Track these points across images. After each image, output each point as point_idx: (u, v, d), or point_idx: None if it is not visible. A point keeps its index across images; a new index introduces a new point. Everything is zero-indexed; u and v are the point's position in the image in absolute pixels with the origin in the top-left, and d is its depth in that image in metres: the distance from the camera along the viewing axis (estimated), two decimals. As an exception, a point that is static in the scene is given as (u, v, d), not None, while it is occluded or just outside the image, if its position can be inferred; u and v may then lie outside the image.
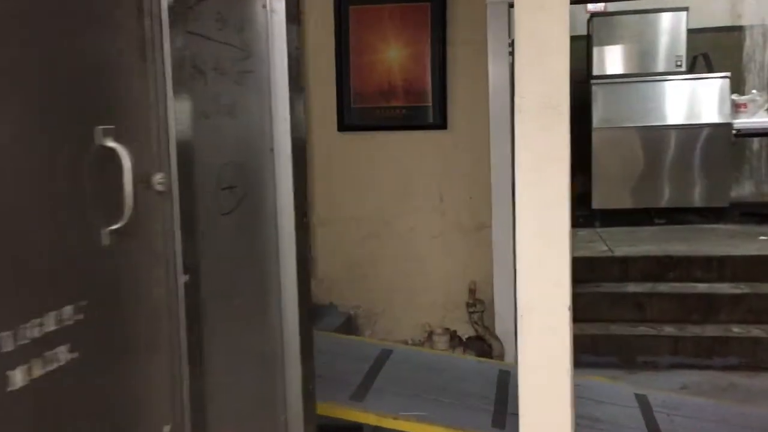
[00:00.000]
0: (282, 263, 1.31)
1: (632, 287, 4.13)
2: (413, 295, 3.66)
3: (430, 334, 3.60)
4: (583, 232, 5.18)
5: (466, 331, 3.62)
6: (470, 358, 3.08)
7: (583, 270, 4.31)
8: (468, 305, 3.59)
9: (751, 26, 5.91)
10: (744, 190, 6.01)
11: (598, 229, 5.26)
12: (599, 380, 2.88)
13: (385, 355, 2.73)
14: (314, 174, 3.68)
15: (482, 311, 3.57)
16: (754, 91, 5.46)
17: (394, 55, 3.54)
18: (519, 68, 1.68)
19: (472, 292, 3.58)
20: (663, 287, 4.10)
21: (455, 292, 3.62)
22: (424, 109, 3.56)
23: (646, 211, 5.42)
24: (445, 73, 3.52)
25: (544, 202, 1.71)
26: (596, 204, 5.34)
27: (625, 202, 5.35)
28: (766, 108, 5.17)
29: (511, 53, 3.51)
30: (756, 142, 5.96)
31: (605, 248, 4.53)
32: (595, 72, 5.36)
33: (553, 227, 1.71)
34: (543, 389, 1.69)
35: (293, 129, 1.31)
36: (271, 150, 1.28)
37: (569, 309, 1.73)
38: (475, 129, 3.53)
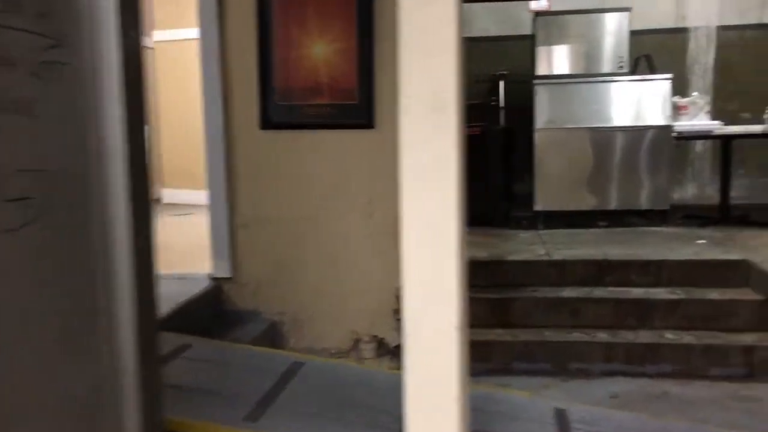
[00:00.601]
0: (114, 284, 1.16)
1: (568, 292, 4.04)
2: (341, 301, 3.52)
3: (357, 341, 3.47)
4: (526, 235, 5.10)
5: (394, 339, 3.50)
6: (386, 371, 2.95)
7: (520, 274, 4.22)
8: (395, 312, 3.46)
9: (696, 28, 5.89)
10: (687, 192, 6.00)
11: (541, 231, 5.18)
12: (519, 394, 2.78)
13: (295, 368, 2.58)
14: (236, 173, 3.52)
15: (410, 318, 3.44)
16: (695, 93, 5.43)
17: (319, 50, 3.39)
18: (404, 67, 1.54)
19: (399, 298, 3.45)
20: (599, 292, 4.02)
21: (383, 298, 3.49)
22: (350, 108, 3.41)
23: (590, 213, 5.36)
24: (373, 70, 3.38)
25: (431, 212, 1.57)
26: (539, 206, 5.27)
27: (569, 204, 5.28)
28: (706, 110, 5.14)
29: (440, 51, 3.38)
30: (699, 145, 5.95)
31: (543, 252, 4.44)
32: (539, 72, 5.27)
33: (440, 239, 1.58)
34: (429, 419, 1.56)
35: (129, 130, 1.15)
36: (99, 154, 1.12)
37: (457, 329, 1.59)
38: (404, 129, 3.39)
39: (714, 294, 3.90)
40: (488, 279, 4.24)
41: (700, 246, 4.50)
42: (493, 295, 4.07)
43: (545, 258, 4.28)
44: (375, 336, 3.45)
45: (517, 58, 5.86)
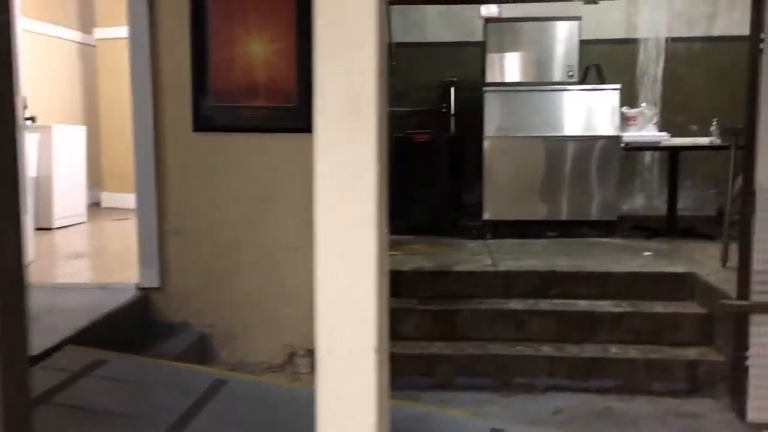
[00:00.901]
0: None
1: (514, 304, 3.95)
2: (275, 313, 3.36)
3: (292, 355, 3.32)
4: (473, 244, 5.01)
5: (331, 353, 3.34)
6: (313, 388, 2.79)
7: (466, 285, 4.12)
8: (333, 324, 3.31)
9: (646, 39, 5.91)
10: (636, 203, 6.00)
11: (489, 241, 5.09)
12: (456, 413, 2.65)
13: (217, 386, 2.41)
14: (167, 177, 3.34)
15: (348, 331, 3.29)
16: (643, 104, 5.43)
17: (257, 49, 3.23)
18: (319, 63, 1.41)
19: (337, 310, 3.30)
20: (544, 304, 3.94)
21: (320, 310, 3.33)
22: (288, 110, 3.26)
23: (539, 223, 5.30)
24: (311, 72, 3.22)
25: (347, 224, 1.44)
26: (488, 215, 5.18)
27: (517, 214, 5.21)
28: (654, 122, 5.14)
29: (382, 53, 3.26)
30: (648, 156, 5.96)
31: (490, 262, 4.35)
32: (489, 79, 5.19)
33: (357, 254, 1.44)
34: (340, 448, 1.42)
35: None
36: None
37: (376, 351, 1.46)
38: (344, 134, 3.26)
39: (659, 307, 3.85)
40: (433, 290, 4.13)
41: (646, 258, 4.46)
42: (437, 306, 3.96)
43: (491, 269, 4.19)
44: (310, 350, 3.30)
45: (468, 65, 5.79)
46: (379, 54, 1.44)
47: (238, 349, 3.35)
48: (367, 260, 1.44)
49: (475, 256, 4.58)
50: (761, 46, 3.08)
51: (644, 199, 6.02)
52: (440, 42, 6.11)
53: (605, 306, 3.89)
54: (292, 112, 3.25)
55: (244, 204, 3.31)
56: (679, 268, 4.12)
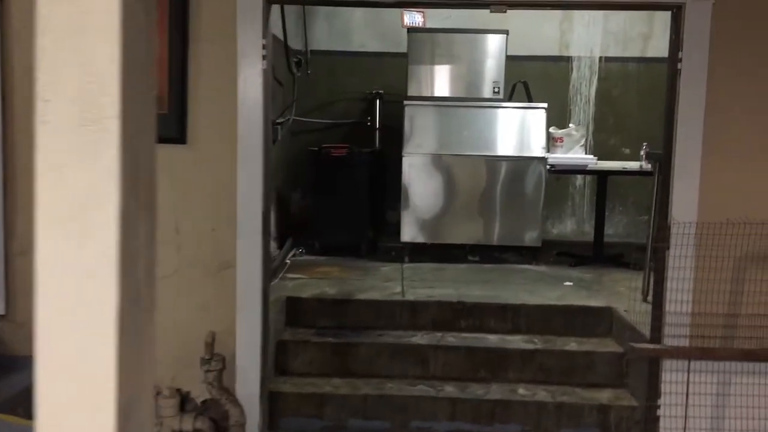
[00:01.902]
0: None
1: (419, 338, 3.62)
2: (140, 347, 2.95)
3: (156, 395, 2.91)
4: (388, 269, 4.67)
5: (202, 393, 2.96)
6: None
7: (369, 316, 3.79)
8: (204, 361, 2.93)
9: (579, 57, 5.69)
10: (566, 228, 5.75)
11: (406, 265, 4.77)
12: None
13: (23, 444, 2.00)
14: (16, 189, 2.92)
15: (220, 369, 2.92)
16: (571, 125, 5.19)
17: (124, 48, 2.84)
18: (42, 55, 1.05)
19: (209, 345, 2.92)
20: (452, 338, 3.62)
21: (190, 345, 2.95)
22: (159, 119, 2.87)
23: (460, 247, 4.99)
24: (186, 76, 2.87)
25: (77, 271, 1.08)
26: (406, 237, 4.85)
27: (436, 237, 4.89)
28: (582, 144, 4.89)
29: (266, 57, 2.91)
30: (579, 178, 5.72)
31: (399, 290, 4.02)
32: (410, 92, 4.88)
33: (90, 312, 1.08)
34: None
35: None
36: None
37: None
38: (221, 146, 2.90)
39: (573, 344, 3.57)
40: (334, 320, 3.78)
41: (565, 289, 4.18)
42: (336, 339, 3.60)
43: (398, 298, 3.86)
44: (178, 389, 2.90)
45: (395, 77, 5.47)
46: (129, 45, 1.09)
47: (93, 387, 2.93)
48: (103, 320, 1.08)
49: (386, 282, 4.25)
50: (679, 66, 2.83)
51: (574, 224, 5.77)
52: (367, 52, 5.79)
53: (516, 341, 3.60)
54: (164, 121, 2.86)
55: (106, 222, 2.91)
56: (597, 302, 3.86)
